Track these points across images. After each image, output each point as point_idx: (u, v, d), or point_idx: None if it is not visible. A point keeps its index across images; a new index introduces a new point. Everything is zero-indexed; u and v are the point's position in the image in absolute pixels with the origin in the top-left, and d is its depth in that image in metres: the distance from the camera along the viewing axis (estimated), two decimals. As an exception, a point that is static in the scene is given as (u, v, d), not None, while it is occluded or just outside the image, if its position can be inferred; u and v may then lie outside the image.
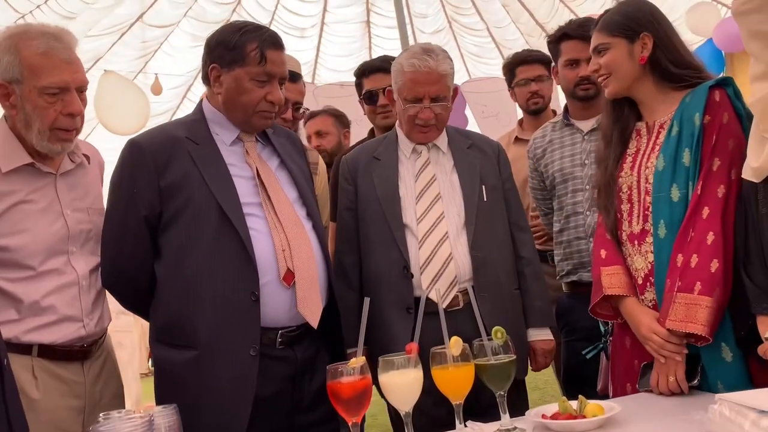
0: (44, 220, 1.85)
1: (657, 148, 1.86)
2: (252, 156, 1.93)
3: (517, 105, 3.34)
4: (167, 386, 1.82)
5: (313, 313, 1.86)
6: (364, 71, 2.97)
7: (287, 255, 1.84)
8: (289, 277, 1.83)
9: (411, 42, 6.51)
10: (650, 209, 1.83)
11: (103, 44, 7.17)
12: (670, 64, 1.87)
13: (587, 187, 2.39)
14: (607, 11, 1.99)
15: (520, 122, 3.31)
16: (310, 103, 5.08)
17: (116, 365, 2.06)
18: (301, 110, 2.79)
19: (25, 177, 1.85)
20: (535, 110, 3.14)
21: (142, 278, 1.87)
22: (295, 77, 2.60)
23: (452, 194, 2.21)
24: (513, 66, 3.19)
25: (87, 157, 2.03)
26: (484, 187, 2.22)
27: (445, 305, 2.07)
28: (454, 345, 1.59)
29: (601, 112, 2.44)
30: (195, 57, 7.03)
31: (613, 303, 1.93)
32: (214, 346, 1.78)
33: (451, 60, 2.25)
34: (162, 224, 1.84)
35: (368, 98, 2.92)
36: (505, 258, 2.22)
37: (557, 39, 2.52)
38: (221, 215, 1.80)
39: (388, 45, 7.74)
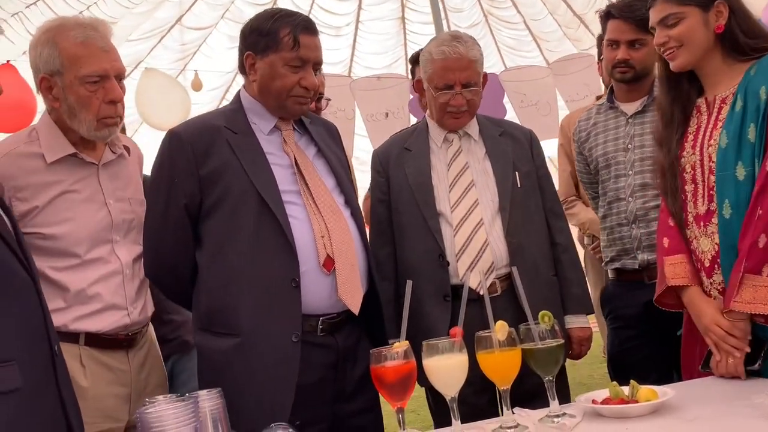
0: (88, 210, 1.87)
1: (719, 124, 1.78)
2: (290, 144, 1.93)
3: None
4: (210, 374, 1.82)
5: (353, 299, 1.85)
6: (416, 59, 2.94)
7: (326, 241, 1.83)
8: (329, 264, 1.82)
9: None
10: (714, 189, 1.76)
11: (143, 48, 7.30)
12: (742, 33, 1.78)
13: (630, 172, 2.33)
14: None
15: (599, 98, 3.25)
16: (347, 96, 5.09)
17: (159, 355, 2.08)
18: (323, 100, 2.77)
19: (69, 167, 1.88)
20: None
21: (184, 267, 1.88)
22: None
23: (486, 181, 2.19)
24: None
25: (127, 149, 2.05)
26: (517, 173, 2.20)
27: (483, 292, 2.04)
28: (500, 329, 1.55)
29: (646, 95, 2.38)
30: (233, 58, 7.13)
31: (677, 292, 1.86)
32: (256, 332, 1.78)
33: (479, 46, 2.23)
34: (202, 213, 1.85)
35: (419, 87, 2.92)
36: (540, 244, 2.20)
37: (604, 16, 2.44)
38: (260, 203, 1.81)
39: (424, 41, 7.68)
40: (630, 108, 2.42)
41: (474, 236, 2.11)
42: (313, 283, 1.81)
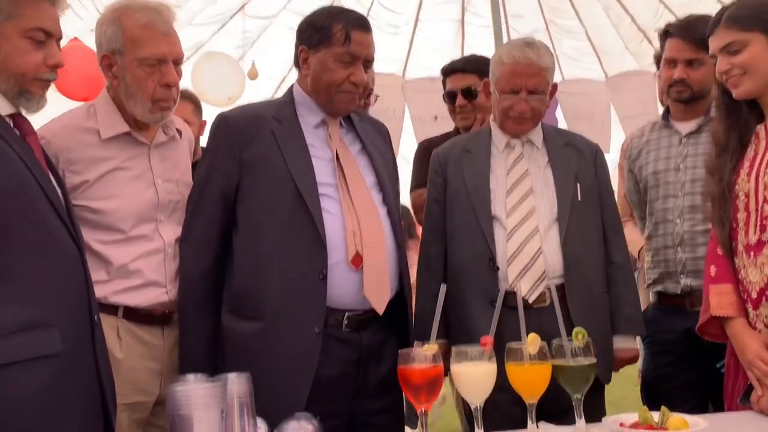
0: (137, 187, 1.92)
1: None
2: (334, 139, 1.96)
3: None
4: (234, 356, 1.85)
5: (379, 298, 1.86)
6: (446, 71, 2.97)
7: (357, 238, 1.85)
8: (357, 261, 1.84)
9: (505, 42, 6.40)
10: None
11: (205, 33, 7.43)
12: None
13: (680, 193, 2.28)
14: (725, 7, 1.86)
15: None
16: (399, 95, 5.09)
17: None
18: (372, 96, 2.79)
19: (121, 145, 1.93)
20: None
21: (212, 245, 1.91)
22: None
23: (545, 190, 2.15)
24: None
25: (179, 132, 2.10)
26: (579, 185, 2.16)
27: (531, 300, 2.03)
28: (531, 342, 1.54)
29: (702, 115, 2.32)
30: (291, 50, 7.18)
31: (721, 323, 1.81)
32: (280, 319, 1.82)
33: (552, 55, 2.20)
34: (240, 196, 1.89)
35: (449, 98, 2.92)
36: (596, 259, 2.16)
37: (663, 34, 2.40)
38: (296, 194, 1.84)
39: (481, 45, 7.63)
40: (685, 127, 2.36)
41: (527, 243, 2.08)
42: (341, 278, 1.83)
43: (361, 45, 1.90)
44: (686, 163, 2.30)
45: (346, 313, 1.85)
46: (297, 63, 1.99)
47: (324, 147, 1.94)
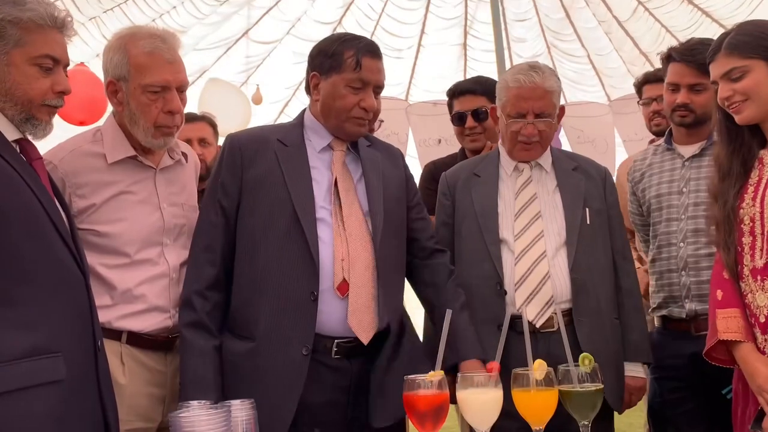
0: (142, 211, 1.92)
1: None
2: (336, 164, 1.96)
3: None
4: (228, 375, 1.85)
5: (363, 328, 1.84)
6: (454, 92, 2.95)
7: (345, 264, 1.85)
8: (343, 287, 1.85)
9: (508, 66, 6.45)
10: None
11: (209, 57, 7.52)
12: None
13: (683, 216, 2.26)
14: (725, 34, 1.87)
15: (651, 142, 3.23)
16: (402, 119, 5.11)
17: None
18: (376, 122, 2.79)
19: (127, 169, 1.94)
20: (658, 132, 3.01)
21: (213, 263, 1.90)
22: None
23: (553, 213, 2.14)
24: (640, 85, 3.14)
25: (185, 156, 2.11)
26: (588, 210, 2.14)
27: (539, 325, 2.02)
28: (538, 368, 1.53)
29: (705, 139, 2.32)
30: (295, 74, 7.28)
31: (728, 347, 1.80)
32: (269, 340, 1.82)
33: (558, 78, 2.20)
34: (239, 215, 1.91)
35: (457, 120, 2.90)
36: (605, 285, 2.14)
37: (665, 59, 2.39)
38: (293, 216, 1.86)
39: (484, 69, 7.69)
40: (687, 151, 2.36)
41: (535, 267, 2.07)
42: (330, 304, 1.84)
43: (372, 71, 1.92)
44: (689, 186, 2.29)
45: (335, 340, 1.84)
46: (308, 89, 2.01)
47: (326, 171, 1.95)
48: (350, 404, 1.86)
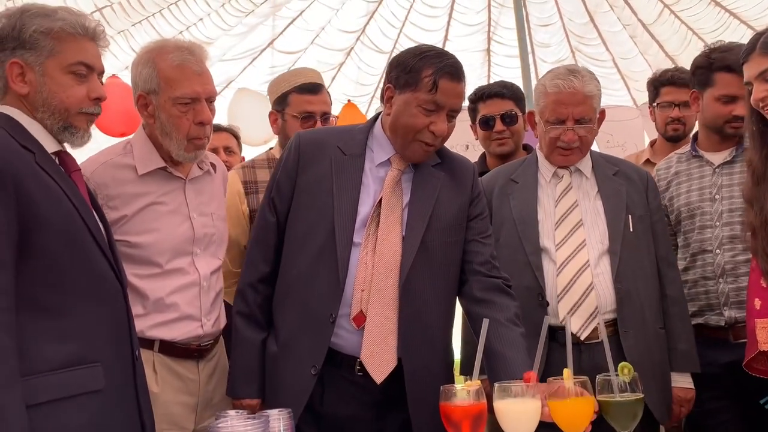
0: (173, 222, 1.94)
1: None
2: (387, 185, 1.86)
3: (646, 135, 3.16)
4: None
5: (376, 366, 1.76)
6: (480, 96, 2.90)
7: (365, 296, 1.78)
8: (359, 319, 1.78)
9: (532, 72, 6.41)
10: None
11: (235, 68, 7.59)
12: None
13: (717, 223, 2.21)
14: (759, 34, 1.83)
15: (653, 143, 3.14)
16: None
17: (228, 367, 2.10)
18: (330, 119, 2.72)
19: (158, 180, 1.96)
20: (674, 137, 2.93)
21: (266, 258, 1.91)
22: (315, 88, 2.58)
23: (595, 221, 2.09)
24: (659, 84, 2.97)
25: (213, 166, 2.12)
26: (630, 216, 2.09)
27: (584, 337, 1.98)
28: (568, 378, 1.51)
29: (735, 145, 2.26)
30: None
31: None
32: (286, 351, 1.82)
33: (598, 81, 2.15)
34: (289, 219, 1.89)
35: (484, 123, 2.85)
36: (650, 293, 2.08)
37: (708, 67, 2.28)
38: (331, 233, 1.81)
39: (508, 74, 7.66)
40: (717, 158, 2.31)
41: (578, 278, 2.02)
42: (347, 330, 1.79)
43: (449, 95, 1.79)
44: (722, 193, 2.24)
45: (358, 359, 1.78)
46: (383, 98, 1.91)
47: (377, 189, 1.86)
48: (375, 419, 1.82)
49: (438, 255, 1.86)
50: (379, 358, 1.77)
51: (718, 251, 2.20)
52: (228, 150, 3.36)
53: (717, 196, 2.25)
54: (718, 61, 2.25)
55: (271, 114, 2.65)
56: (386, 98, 1.87)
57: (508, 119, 2.80)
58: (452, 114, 1.83)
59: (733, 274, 2.17)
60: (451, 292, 1.91)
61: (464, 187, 1.94)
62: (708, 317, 2.23)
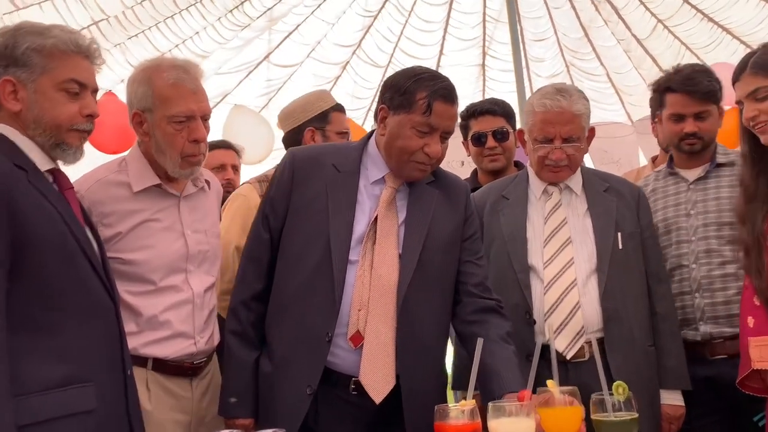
0: (167, 239, 1.94)
1: None
2: (382, 203, 1.86)
3: (641, 152, 3.18)
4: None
5: (374, 386, 1.76)
6: (472, 113, 2.92)
7: (362, 315, 1.78)
8: (356, 339, 1.79)
9: (526, 86, 6.44)
10: None
11: (231, 81, 7.60)
12: None
13: (693, 238, 2.24)
14: (750, 54, 1.86)
15: (654, 159, 3.19)
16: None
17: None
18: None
19: (152, 197, 1.96)
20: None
21: (259, 275, 1.91)
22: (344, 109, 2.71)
23: (584, 239, 2.10)
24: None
25: (207, 183, 2.12)
26: (620, 234, 2.09)
27: (570, 356, 1.98)
28: (553, 387, 1.53)
29: (708, 161, 2.31)
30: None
31: (763, 376, 1.77)
32: (281, 370, 1.81)
33: (587, 100, 2.16)
34: (282, 235, 1.89)
35: (476, 140, 2.87)
36: (638, 311, 2.08)
37: (660, 90, 2.36)
38: (327, 252, 1.81)
39: (502, 88, 7.70)
40: (691, 174, 2.34)
41: (565, 296, 2.02)
42: (344, 349, 1.79)
43: (442, 117, 1.81)
44: (697, 208, 2.27)
45: (353, 378, 1.78)
46: (376, 118, 1.92)
47: (372, 207, 1.87)
48: None
49: (434, 273, 1.86)
50: (377, 378, 1.76)
51: (693, 265, 2.22)
52: (235, 168, 3.43)
53: (692, 212, 2.27)
54: (664, 83, 2.34)
55: (307, 131, 2.68)
56: (380, 118, 1.88)
57: (500, 136, 2.82)
58: (445, 135, 1.85)
59: (709, 288, 2.18)
60: (446, 311, 1.92)
61: (458, 205, 1.95)
62: (685, 332, 2.22)
